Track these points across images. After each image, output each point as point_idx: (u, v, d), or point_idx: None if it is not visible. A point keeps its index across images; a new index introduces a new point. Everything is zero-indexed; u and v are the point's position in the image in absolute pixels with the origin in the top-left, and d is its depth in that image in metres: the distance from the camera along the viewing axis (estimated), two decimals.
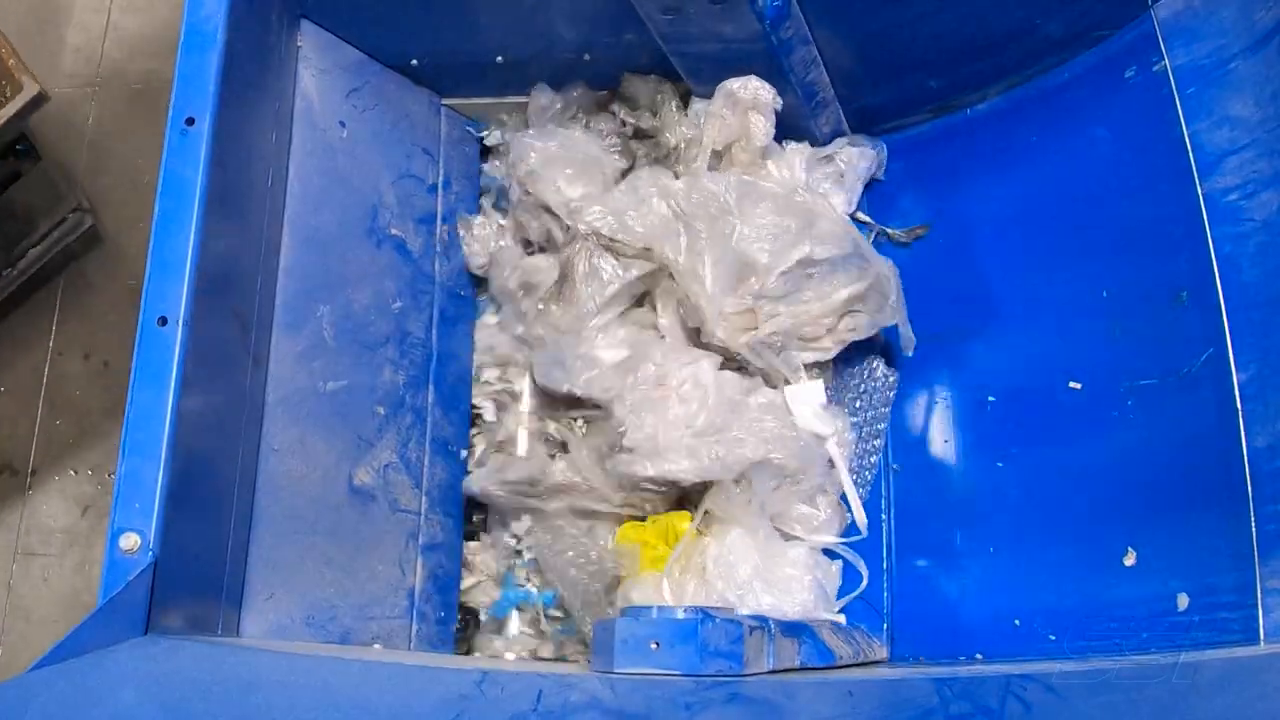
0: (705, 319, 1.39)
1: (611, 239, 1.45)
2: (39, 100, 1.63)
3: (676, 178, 1.51)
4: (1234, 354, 1.12)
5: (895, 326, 1.45)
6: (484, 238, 1.65)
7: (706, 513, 1.40)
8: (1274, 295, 1.10)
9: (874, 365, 1.54)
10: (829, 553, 1.45)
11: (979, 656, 1.29)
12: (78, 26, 2.33)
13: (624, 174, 1.61)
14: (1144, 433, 1.22)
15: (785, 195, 1.41)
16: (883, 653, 1.38)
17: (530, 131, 1.62)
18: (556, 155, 1.55)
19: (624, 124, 1.63)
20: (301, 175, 1.38)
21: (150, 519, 1.01)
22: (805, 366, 1.48)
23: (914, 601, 1.41)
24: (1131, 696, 0.84)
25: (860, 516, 1.45)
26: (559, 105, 1.63)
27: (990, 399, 1.41)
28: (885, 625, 1.42)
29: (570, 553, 1.48)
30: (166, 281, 1.08)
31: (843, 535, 1.45)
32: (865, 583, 1.42)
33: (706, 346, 1.46)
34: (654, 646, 0.94)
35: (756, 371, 1.47)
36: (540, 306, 1.52)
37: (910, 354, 1.47)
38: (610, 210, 1.46)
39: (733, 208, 1.39)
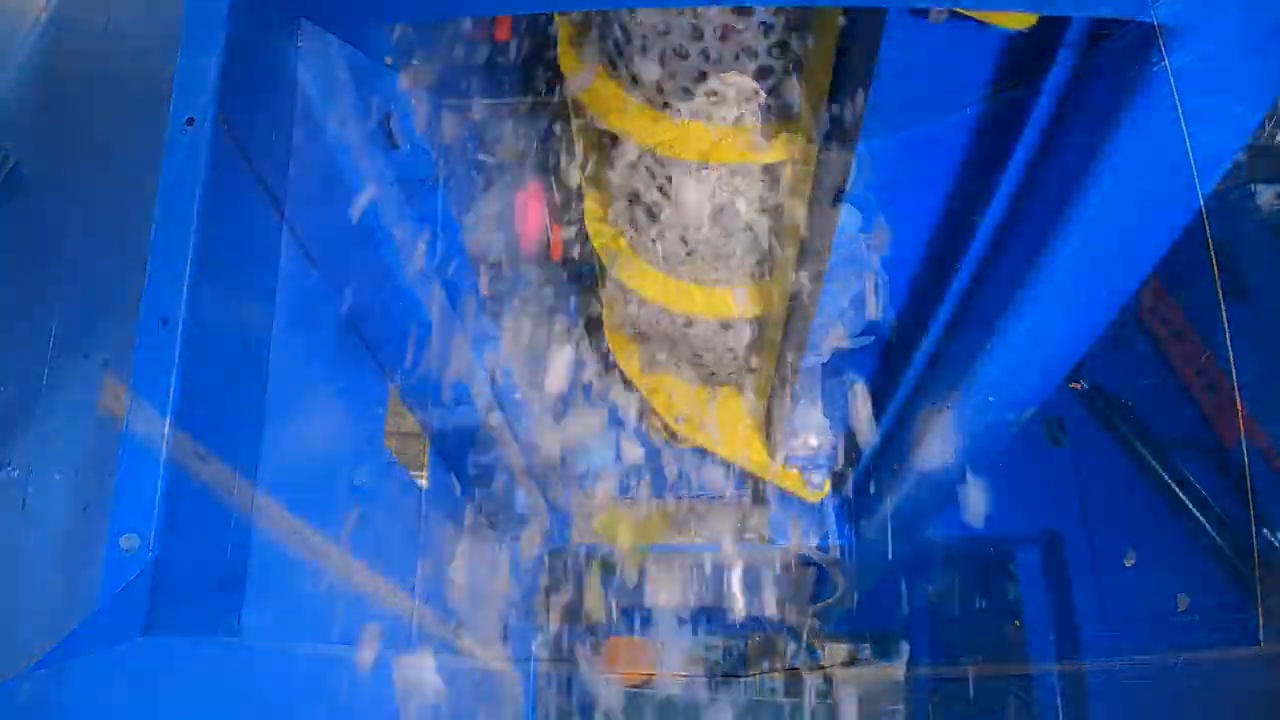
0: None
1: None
2: None
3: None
4: (1234, 354, 1.12)
5: (883, 323, 1.47)
6: None
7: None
8: (1274, 295, 1.10)
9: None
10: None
11: (979, 656, 1.29)
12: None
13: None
14: (1144, 432, 1.22)
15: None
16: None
17: None
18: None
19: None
20: (301, 175, 1.38)
21: (150, 519, 1.01)
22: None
23: (911, 601, 1.41)
24: (1132, 696, 0.84)
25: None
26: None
27: (990, 399, 1.41)
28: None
29: None
30: (166, 282, 1.08)
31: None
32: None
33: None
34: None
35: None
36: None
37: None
38: None
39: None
